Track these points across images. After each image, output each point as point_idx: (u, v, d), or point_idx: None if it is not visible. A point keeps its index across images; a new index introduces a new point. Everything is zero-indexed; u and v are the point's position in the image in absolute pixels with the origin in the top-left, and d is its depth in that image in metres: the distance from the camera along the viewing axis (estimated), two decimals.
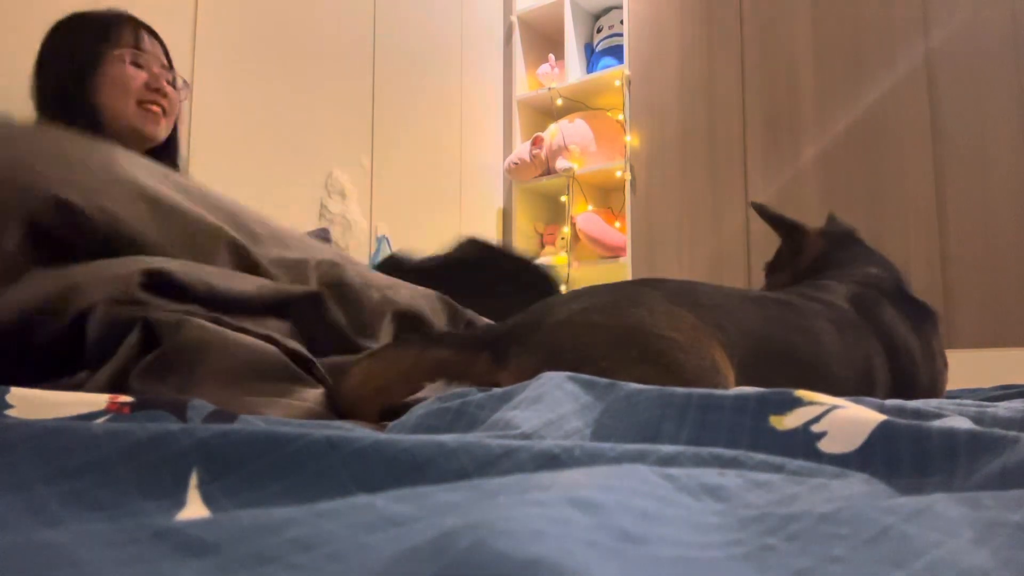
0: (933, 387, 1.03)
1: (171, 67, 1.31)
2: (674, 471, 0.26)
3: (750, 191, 2.46)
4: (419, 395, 0.66)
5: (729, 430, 0.41)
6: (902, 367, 0.99)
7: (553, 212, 3.15)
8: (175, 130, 1.34)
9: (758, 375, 0.82)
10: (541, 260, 2.96)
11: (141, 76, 1.22)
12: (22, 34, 1.38)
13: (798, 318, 0.92)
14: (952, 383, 1.42)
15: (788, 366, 0.86)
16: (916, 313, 1.06)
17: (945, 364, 1.09)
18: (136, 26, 1.26)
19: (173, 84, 1.29)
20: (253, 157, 2.09)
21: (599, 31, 3.07)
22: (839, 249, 1.20)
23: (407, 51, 2.69)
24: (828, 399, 0.41)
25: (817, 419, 0.39)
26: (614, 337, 0.76)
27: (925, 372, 1.02)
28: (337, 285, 0.87)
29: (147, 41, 1.26)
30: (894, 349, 0.99)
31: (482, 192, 3.01)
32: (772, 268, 1.30)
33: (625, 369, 0.73)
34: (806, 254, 1.24)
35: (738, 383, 0.80)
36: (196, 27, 2.05)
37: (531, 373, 0.54)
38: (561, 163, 2.84)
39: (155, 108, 1.23)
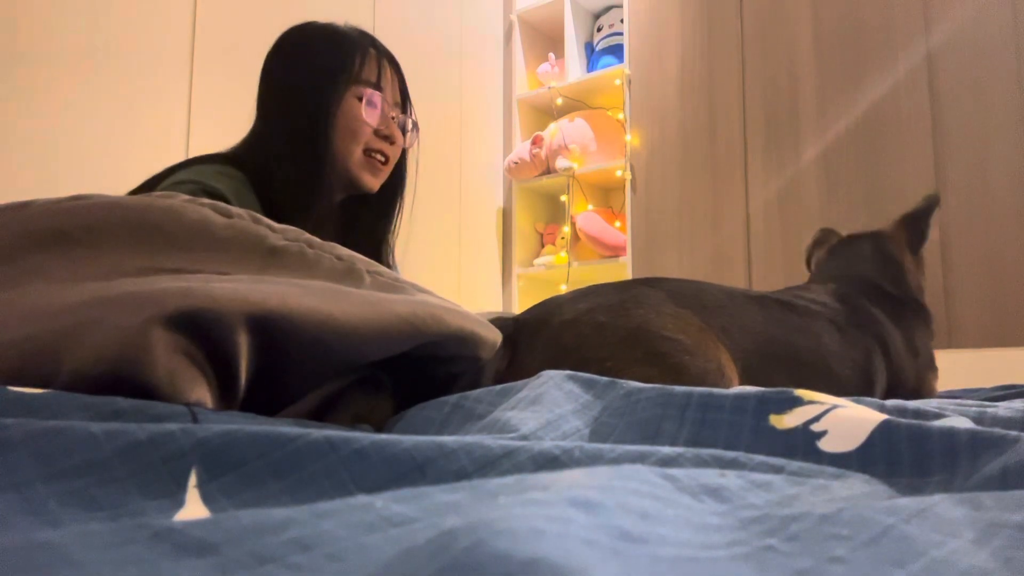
0: (919, 385, 1.04)
1: (404, 102, 1.15)
2: (674, 471, 0.26)
3: (750, 191, 2.46)
4: None
5: (729, 429, 0.41)
6: (893, 364, 1.00)
7: (553, 211, 3.15)
8: (399, 178, 1.17)
9: (762, 376, 0.82)
10: (540, 260, 2.96)
11: (374, 118, 1.08)
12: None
13: (800, 319, 0.93)
14: (952, 383, 1.42)
15: (791, 367, 0.87)
16: (897, 309, 1.07)
17: (932, 365, 1.09)
18: (380, 55, 1.10)
19: (403, 127, 1.13)
20: None
21: (599, 30, 3.07)
22: (829, 258, 1.22)
23: (407, 51, 2.68)
24: (828, 398, 0.41)
25: (817, 418, 0.39)
26: (620, 338, 0.77)
27: (910, 369, 1.02)
28: None
29: (388, 74, 1.11)
30: (886, 346, 0.99)
31: (482, 191, 3.01)
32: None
33: (630, 369, 0.74)
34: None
35: (742, 384, 0.80)
36: (196, 27, 2.05)
37: (537, 370, 0.54)
38: (561, 162, 2.84)
39: (379, 158, 1.09)
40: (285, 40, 1.10)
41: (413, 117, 1.16)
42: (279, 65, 1.09)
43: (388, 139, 1.10)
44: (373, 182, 1.11)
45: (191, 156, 1.10)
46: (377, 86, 1.09)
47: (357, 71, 1.07)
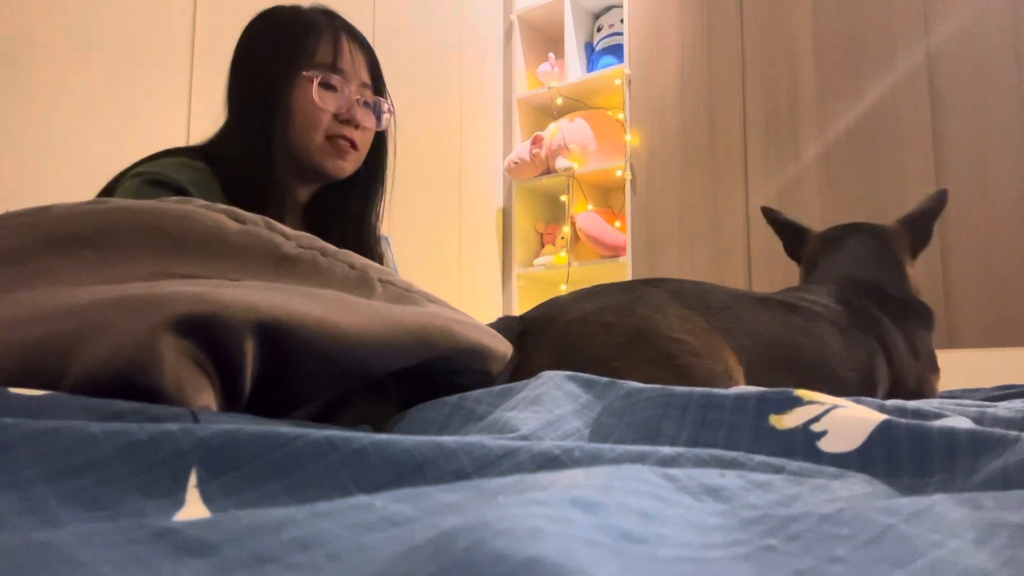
0: (921, 386, 1.03)
1: (376, 82, 1.09)
2: (675, 471, 0.26)
3: (750, 191, 2.46)
4: None
5: (729, 429, 0.41)
6: (895, 365, 0.99)
7: (553, 211, 3.15)
8: (377, 161, 1.13)
9: (766, 378, 0.82)
10: (540, 260, 2.96)
11: (331, 103, 1.02)
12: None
13: (803, 320, 0.93)
14: (952, 383, 1.42)
15: (795, 369, 0.87)
16: (899, 310, 1.07)
17: (934, 366, 1.09)
18: (336, 34, 1.04)
19: (375, 108, 1.08)
20: None
21: (599, 30, 3.07)
22: (828, 252, 1.21)
23: (407, 51, 2.69)
24: (828, 398, 0.41)
25: (817, 418, 0.39)
26: (627, 338, 0.77)
27: (911, 370, 1.02)
28: None
29: (347, 53, 1.04)
30: (888, 348, 0.99)
31: (482, 191, 3.01)
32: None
33: (636, 370, 0.74)
34: (806, 258, 1.26)
35: (746, 386, 0.80)
36: (196, 27, 2.05)
37: (542, 370, 0.54)
38: (561, 162, 2.84)
39: (343, 143, 1.04)
40: (249, 27, 1.08)
41: (388, 98, 1.10)
42: (239, 54, 1.06)
43: (350, 123, 1.04)
44: (340, 166, 1.05)
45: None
46: (334, 68, 1.03)
47: (311, 54, 1.02)
